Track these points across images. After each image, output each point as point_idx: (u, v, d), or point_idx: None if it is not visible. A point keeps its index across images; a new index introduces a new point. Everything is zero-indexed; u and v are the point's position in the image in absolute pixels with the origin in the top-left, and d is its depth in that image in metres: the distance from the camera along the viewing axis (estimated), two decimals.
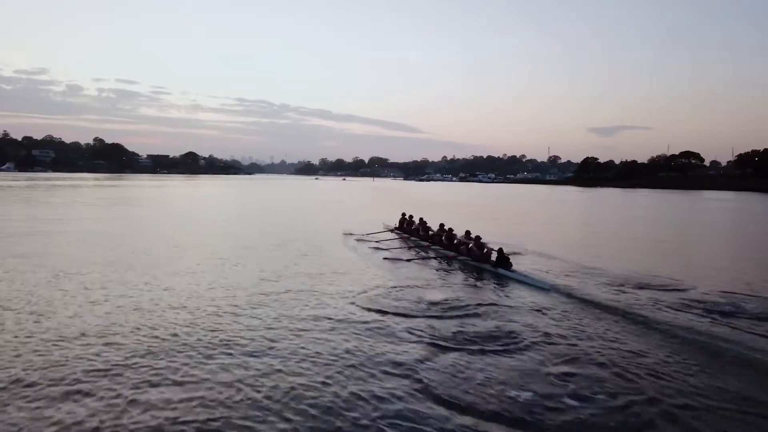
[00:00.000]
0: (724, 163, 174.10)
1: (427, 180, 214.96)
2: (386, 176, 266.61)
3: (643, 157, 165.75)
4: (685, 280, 13.88)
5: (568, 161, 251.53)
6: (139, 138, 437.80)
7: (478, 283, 13.49)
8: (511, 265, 14.60)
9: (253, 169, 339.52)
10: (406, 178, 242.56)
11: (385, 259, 16.52)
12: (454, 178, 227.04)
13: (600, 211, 48.66)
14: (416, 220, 22.46)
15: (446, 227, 19.74)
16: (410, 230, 22.20)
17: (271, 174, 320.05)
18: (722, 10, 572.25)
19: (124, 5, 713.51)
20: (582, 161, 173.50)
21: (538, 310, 10.52)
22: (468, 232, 17.99)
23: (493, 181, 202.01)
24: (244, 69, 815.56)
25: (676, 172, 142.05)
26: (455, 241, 18.46)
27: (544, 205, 55.96)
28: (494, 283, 13.51)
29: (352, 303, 10.53)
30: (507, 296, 11.85)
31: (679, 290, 12.51)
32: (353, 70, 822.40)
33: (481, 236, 16.84)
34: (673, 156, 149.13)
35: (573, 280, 13.77)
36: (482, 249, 16.31)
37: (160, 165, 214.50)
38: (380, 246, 19.36)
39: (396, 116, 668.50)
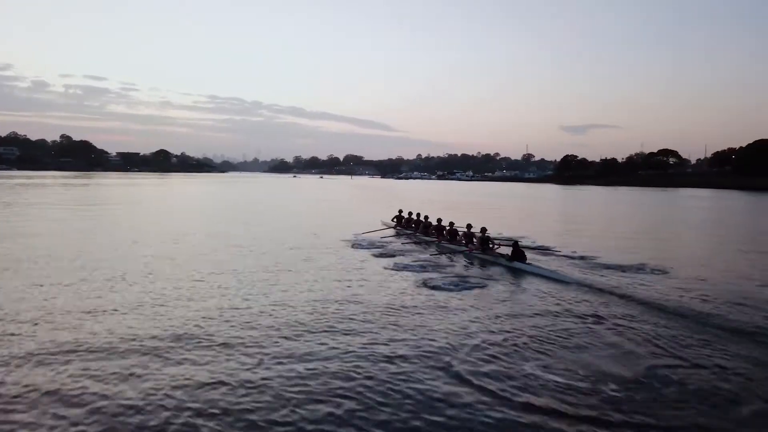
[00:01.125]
0: (693, 161, 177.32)
1: (405, 178, 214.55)
2: (362, 174, 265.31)
3: (613, 155, 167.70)
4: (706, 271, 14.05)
5: (542, 159, 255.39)
6: (108, 135, 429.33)
7: (501, 278, 13.39)
8: (526, 259, 14.66)
9: (226, 167, 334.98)
10: (383, 176, 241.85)
11: (397, 257, 16.19)
12: (433, 177, 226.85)
13: (590, 207, 49.24)
14: (414, 216, 22.40)
15: (445, 222, 19.78)
16: (412, 227, 22.08)
17: (245, 172, 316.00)
18: (693, 12, 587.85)
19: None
20: (562, 159, 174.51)
21: (573, 304, 10.58)
22: (470, 226, 18.07)
23: (471, 179, 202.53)
24: (216, 66, 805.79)
25: (655, 170, 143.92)
26: (459, 236, 18.54)
27: (533, 202, 56.47)
28: (514, 277, 13.49)
29: (383, 305, 10.12)
30: (532, 291, 11.81)
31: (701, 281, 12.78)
32: (326, 68, 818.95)
33: (486, 228, 16.97)
34: (651, 154, 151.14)
35: (587, 272, 14.00)
36: (489, 243, 16.32)
37: (130, 163, 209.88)
38: (391, 244, 19.07)
39: (370, 114, 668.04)
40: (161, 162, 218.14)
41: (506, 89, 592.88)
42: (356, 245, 18.49)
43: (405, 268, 14.29)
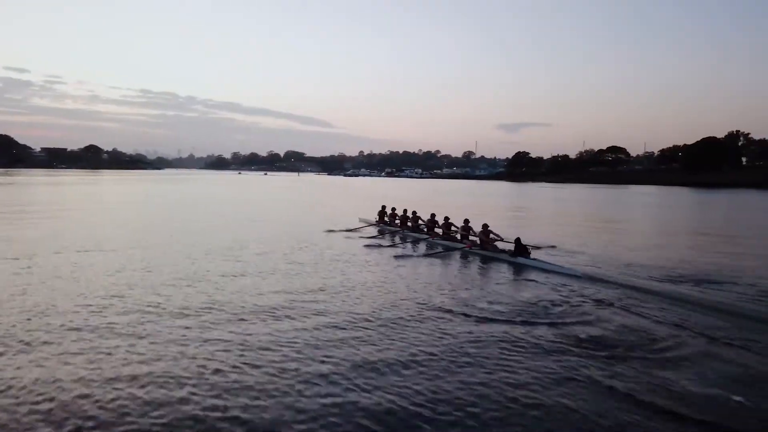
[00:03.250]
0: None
1: (354, 175, 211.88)
2: (305, 171, 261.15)
3: (545, 152, 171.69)
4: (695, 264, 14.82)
5: (482, 156, 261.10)
6: (32, 130, 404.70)
7: (507, 275, 13.46)
8: (530, 254, 14.81)
9: (160, 163, 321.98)
10: (330, 174, 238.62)
11: (396, 257, 15.72)
12: (382, 174, 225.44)
13: (566, 204, 49.75)
14: (399, 212, 22.23)
15: (436, 218, 19.73)
16: (397, 223, 21.99)
17: (181, 169, 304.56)
18: (623, 15, 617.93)
19: None
20: (513, 156, 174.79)
21: (593, 298, 10.94)
22: (467, 221, 18.09)
23: (420, 176, 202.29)
24: (148, 59, 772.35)
25: (605, 166, 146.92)
26: (453, 231, 18.49)
27: (508, 199, 56.94)
28: (521, 273, 13.56)
29: (391, 308, 9.74)
30: (544, 286, 11.86)
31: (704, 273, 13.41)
32: (264, 63, 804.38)
33: (488, 224, 16.90)
34: (600, 151, 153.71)
35: (594, 266, 14.29)
36: (488, 237, 16.34)
37: (57, 159, 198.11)
38: (381, 243, 18.76)
39: (309, 111, 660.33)
40: (91, 158, 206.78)
41: (445, 88, 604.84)
42: (350, 245, 17.97)
43: (407, 266, 14.18)
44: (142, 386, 6.03)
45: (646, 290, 11.33)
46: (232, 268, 13.08)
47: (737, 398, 6.04)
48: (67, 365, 6.60)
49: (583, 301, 10.39)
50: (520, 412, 5.66)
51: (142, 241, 17.72)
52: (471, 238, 17.54)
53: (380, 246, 17.88)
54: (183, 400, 5.73)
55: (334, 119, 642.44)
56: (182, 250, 15.78)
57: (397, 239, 19.81)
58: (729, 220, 32.90)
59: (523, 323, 8.82)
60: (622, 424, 5.46)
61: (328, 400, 5.81)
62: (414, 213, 21.26)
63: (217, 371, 6.50)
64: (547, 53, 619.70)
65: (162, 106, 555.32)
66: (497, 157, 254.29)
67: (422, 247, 17.94)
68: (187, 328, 8.16)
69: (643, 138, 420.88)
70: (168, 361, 6.79)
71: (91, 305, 9.28)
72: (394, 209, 22.91)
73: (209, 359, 6.87)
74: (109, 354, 6.99)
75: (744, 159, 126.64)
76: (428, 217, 20.13)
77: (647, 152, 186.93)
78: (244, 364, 6.76)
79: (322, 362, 6.89)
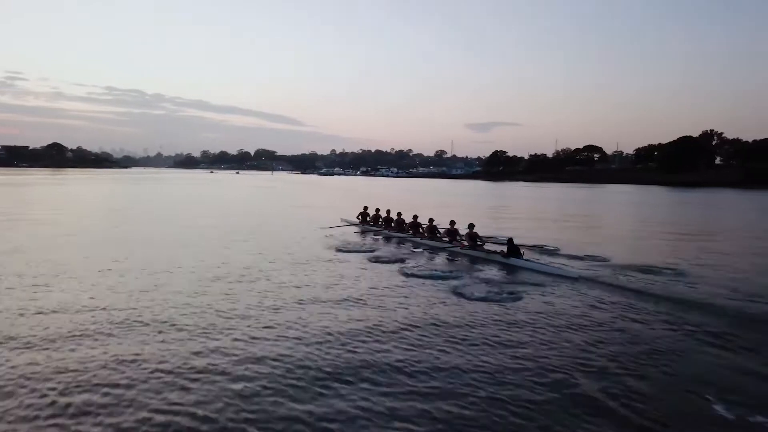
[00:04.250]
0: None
1: (328, 174, 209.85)
2: (277, 169, 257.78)
3: (517, 151, 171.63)
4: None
5: (454, 155, 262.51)
6: None
7: (499, 276, 13.28)
8: (523, 255, 14.58)
9: (127, 162, 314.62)
10: (303, 172, 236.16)
11: (381, 259, 15.32)
12: (358, 173, 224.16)
13: (547, 203, 50.10)
14: (384, 213, 21.95)
15: (420, 219, 19.53)
16: (381, 224, 21.78)
17: (149, 168, 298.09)
18: (589, 16, 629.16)
19: None
20: (491, 155, 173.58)
21: (590, 300, 10.90)
22: (453, 222, 17.78)
23: (396, 175, 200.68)
24: (113, 56, 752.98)
25: (582, 165, 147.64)
26: (441, 233, 18.26)
27: (495, 200, 57.05)
28: (514, 275, 13.41)
29: (386, 315, 9.44)
30: (539, 288, 11.72)
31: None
32: (232, 61, 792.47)
33: (474, 224, 16.67)
34: (576, 150, 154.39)
35: (589, 268, 14.17)
36: (477, 239, 16.20)
37: (18, 157, 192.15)
38: (367, 244, 18.48)
39: (278, 108, 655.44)
40: (54, 157, 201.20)
41: (415, 87, 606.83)
42: (332, 247, 17.46)
43: (393, 268, 13.88)
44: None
45: (643, 292, 11.29)
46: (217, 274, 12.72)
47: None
48: None
49: (580, 304, 10.32)
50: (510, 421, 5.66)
51: (121, 261, 14.21)
52: (458, 239, 17.32)
53: (364, 247, 17.57)
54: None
55: (304, 117, 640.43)
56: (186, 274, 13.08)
57: (381, 240, 19.56)
58: (715, 219, 33.25)
59: (518, 327, 8.74)
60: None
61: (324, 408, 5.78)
62: (399, 214, 20.93)
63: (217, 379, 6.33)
64: (516, 54, 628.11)
65: (128, 104, 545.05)
66: (469, 156, 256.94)
67: (408, 248, 17.66)
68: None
69: (614, 138, 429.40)
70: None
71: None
72: (377, 210, 22.60)
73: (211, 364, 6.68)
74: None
75: (718, 158, 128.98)
76: (411, 218, 19.85)
77: (616, 151, 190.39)
78: (250, 372, 6.63)
79: (308, 368, 6.83)
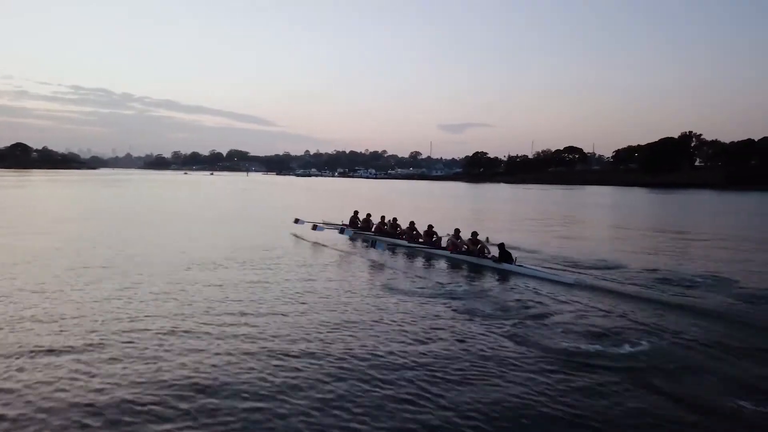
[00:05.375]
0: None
1: (304, 175, 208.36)
2: (251, 170, 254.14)
3: (491, 153, 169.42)
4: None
5: (428, 157, 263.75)
6: None
7: (492, 282, 13.34)
8: (514, 260, 14.72)
9: (95, 163, 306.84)
10: (279, 173, 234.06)
11: (374, 265, 15.50)
12: (336, 174, 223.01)
13: (550, 206, 50.41)
14: (376, 218, 22.14)
15: (416, 224, 19.74)
16: (371, 229, 21.90)
17: (118, 168, 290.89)
18: (557, 17, 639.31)
19: None
20: (471, 156, 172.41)
21: (584, 305, 11.03)
22: (457, 231, 17.84)
23: (375, 177, 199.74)
24: (79, 55, 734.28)
25: (563, 167, 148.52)
26: (436, 238, 18.48)
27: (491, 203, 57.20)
28: (507, 280, 13.50)
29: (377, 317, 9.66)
30: (532, 294, 11.82)
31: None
32: (202, 60, 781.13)
33: (478, 232, 16.72)
34: (558, 151, 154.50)
35: (582, 272, 14.31)
36: (477, 245, 16.33)
37: None
38: (356, 250, 18.57)
39: (249, 109, 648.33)
40: (19, 157, 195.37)
41: (388, 88, 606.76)
42: (322, 252, 17.64)
43: (385, 274, 14.04)
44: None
45: (639, 297, 11.50)
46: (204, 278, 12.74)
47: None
48: None
49: (576, 310, 10.42)
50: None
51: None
52: (449, 243, 17.55)
53: (356, 254, 17.64)
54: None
55: (275, 118, 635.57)
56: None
57: (372, 246, 19.24)
58: (707, 222, 33.79)
59: (514, 334, 8.78)
60: None
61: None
62: (394, 219, 21.06)
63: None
64: (490, 56, 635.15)
65: (96, 103, 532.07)
66: (444, 158, 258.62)
67: (401, 254, 17.81)
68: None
69: (590, 139, 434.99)
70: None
71: None
72: (368, 215, 22.77)
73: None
74: None
75: (697, 160, 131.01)
76: (407, 223, 19.97)
77: (590, 152, 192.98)
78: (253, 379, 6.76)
79: (297, 372, 7.00)
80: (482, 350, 8.07)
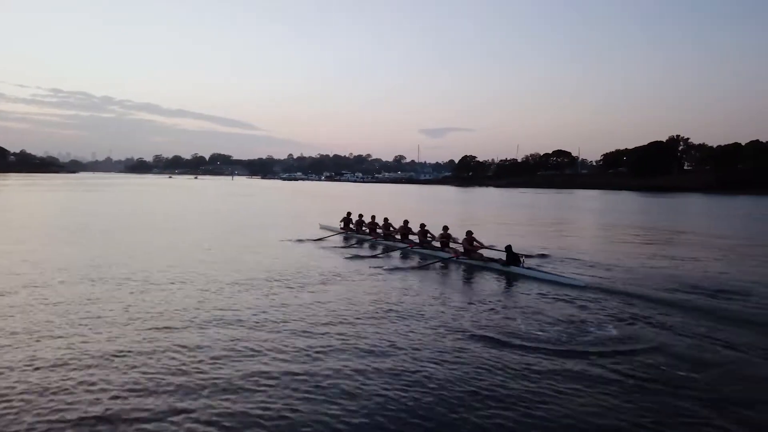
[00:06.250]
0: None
1: (289, 179, 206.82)
2: (236, 174, 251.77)
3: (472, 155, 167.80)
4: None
5: (413, 161, 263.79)
6: None
7: (501, 286, 12.82)
8: (523, 263, 14.25)
9: (75, 166, 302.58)
10: (264, 177, 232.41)
11: (372, 268, 14.79)
12: (322, 178, 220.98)
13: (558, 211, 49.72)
14: (369, 219, 21.49)
15: (410, 225, 19.21)
16: (364, 230, 21.37)
17: (98, 172, 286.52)
18: (543, 22, 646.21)
19: None
20: (460, 159, 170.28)
21: (601, 310, 10.53)
22: (446, 228, 17.41)
23: (362, 180, 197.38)
24: (59, 57, 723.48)
25: (552, 170, 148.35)
26: (433, 239, 17.78)
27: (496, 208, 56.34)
28: (516, 284, 12.98)
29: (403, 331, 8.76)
30: (545, 298, 11.28)
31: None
32: (184, 63, 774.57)
33: (472, 231, 16.14)
34: (546, 155, 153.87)
35: (593, 275, 13.92)
36: (472, 244, 15.72)
37: None
38: (352, 252, 17.79)
39: (231, 113, 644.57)
40: None
41: (370, 92, 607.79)
42: (317, 257, 16.86)
43: (386, 278, 13.40)
44: None
45: (655, 300, 11.07)
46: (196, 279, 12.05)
47: None
48: None
49: (591, 314, 9.95)
50: None
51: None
52: (452, 245, 17.03)
53: (352, 256, 16.93)
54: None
55: (257, 121, 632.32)
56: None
57: (367, 248, 19.09)
58: (712, 226, 33.56)
59: (528, 342, 8.19)
60: None
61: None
62: (386, 219, 20.56)
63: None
64: (471, 60, 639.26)
65: (75, 107, 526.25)
66: (427, 161, 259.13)
67: (398, 256, 17.23)
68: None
69: (574, 144, 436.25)
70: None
71: None
72: (361, 215, 22.22)
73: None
74: None
75: (685, 164, 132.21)
76: (401, 223, 19.48)
77: (576, 156, 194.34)
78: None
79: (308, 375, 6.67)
80: (492, 356, 7.57)
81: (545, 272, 13.74)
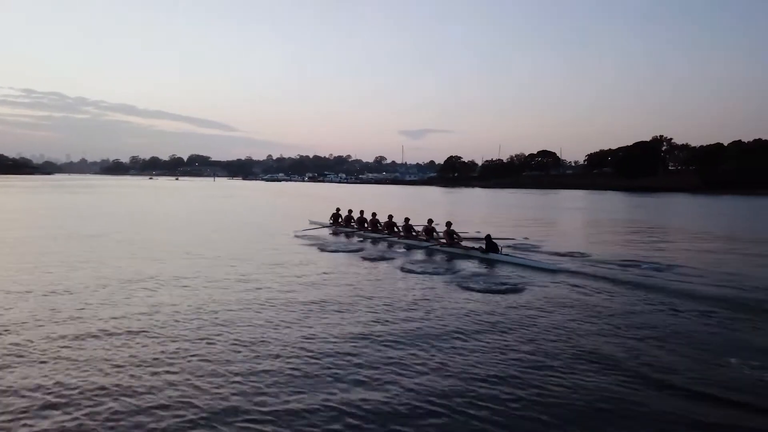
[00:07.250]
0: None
1: (271, 180, 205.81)
2: (216, 176, 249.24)
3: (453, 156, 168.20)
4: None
5: (393, 162, 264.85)
6: None
7: (480, 271, 13.83)
8: (501, 250, 15.61)
9: (49, 168, 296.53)
10: (245, 178, 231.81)
11: (362, 259, 15.71)
12: (305, 179, 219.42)
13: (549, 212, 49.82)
14: (357, 214, 22.79)
15: (394, 219, 20.41)
16: (353, 225, 22.56)
17: (74, 174, 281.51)
18: (525, 23, 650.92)
19: None
20: (446, 160, 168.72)
21: (572, 291, 11.82)
22: (430, 221, 18.81)
23: (346, 181, 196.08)
24: (31, 57, 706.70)
25: (538, 171, 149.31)
26: (418, 231, 19.11)
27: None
28: (495, 269, 14.12)
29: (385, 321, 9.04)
30: (520, 282, 12.24)
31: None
32: (158, 64, 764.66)
33: (451, 222, 17.61)
34: (531, 155, 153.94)
35: (569, 263, 15.06)
36: (454, 236, 17.23)
37: None
38: (341, 245, 18.86)
39: (208, 113, 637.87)
40: None
41: (349, 93, 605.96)
42: (308, 251, 17.57)
43: (373, 267, 14.24)
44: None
45: (620, 281, 12.31)
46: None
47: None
48: None
49: (561, 294, 11.01)
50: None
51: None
52: (435, 236, 18.32)
53: (341, 249, 17.93)
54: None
55: (236, 122, 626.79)
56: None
57: (356, 241, 20.16)
58: (685, 221, 34.92)
59: (506, 322, 8.88)
60: None
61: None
62: (373, 214, 21.63)
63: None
64: (451, 61, 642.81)
65: (48, 107, 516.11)
66: (407, 162, 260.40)
67: (384, 248, 18.32)
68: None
69: (556, 144, 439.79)
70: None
71: None
72: (350, 211, 23.34)
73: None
74: None
75: (670, 164, 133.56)
76: (386, 218, 20.58)
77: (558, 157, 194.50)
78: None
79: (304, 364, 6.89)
80: (471, 331, 8.40)
81: (521, 258, 15.06)
